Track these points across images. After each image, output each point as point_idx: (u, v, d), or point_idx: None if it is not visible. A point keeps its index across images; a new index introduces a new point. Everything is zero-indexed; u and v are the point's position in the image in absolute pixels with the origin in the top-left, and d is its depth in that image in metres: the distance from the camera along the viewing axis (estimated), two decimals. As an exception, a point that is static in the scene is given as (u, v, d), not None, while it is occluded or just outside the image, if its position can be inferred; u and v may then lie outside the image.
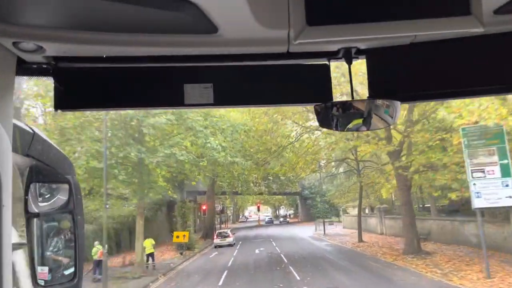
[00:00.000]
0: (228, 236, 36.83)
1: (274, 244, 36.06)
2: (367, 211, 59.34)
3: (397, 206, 38.77)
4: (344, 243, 33.79)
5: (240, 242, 40.58)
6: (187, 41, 1.47)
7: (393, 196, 44.94)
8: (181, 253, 30.49)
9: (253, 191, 53.08)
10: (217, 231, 39.11)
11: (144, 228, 24.61)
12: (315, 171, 35.74)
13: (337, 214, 79.60)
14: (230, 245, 36.44)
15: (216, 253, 32.71)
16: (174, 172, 28.21)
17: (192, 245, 33.54)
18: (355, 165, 34.28)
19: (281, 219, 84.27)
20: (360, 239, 32.05)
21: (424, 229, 27.99)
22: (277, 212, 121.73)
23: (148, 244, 25.02)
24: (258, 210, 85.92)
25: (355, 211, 63.87)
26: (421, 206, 42.03)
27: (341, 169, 46.81)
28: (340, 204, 67.27)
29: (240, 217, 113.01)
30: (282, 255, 27.15)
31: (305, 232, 52.03)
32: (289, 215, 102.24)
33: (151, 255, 24.94)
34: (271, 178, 46.21)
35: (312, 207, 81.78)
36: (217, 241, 36.94)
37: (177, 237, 30.08)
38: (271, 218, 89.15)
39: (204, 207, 45.43)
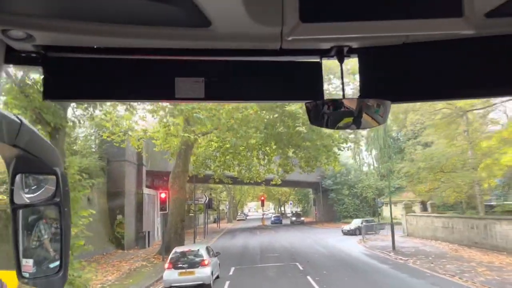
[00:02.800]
0: (199, 263, 12.81)
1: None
2: (414, 208, 35.38)
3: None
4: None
5: (233, 271, 16.91)
6: (179, 34, 1.46)
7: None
8: None
9: (258, 174, 29.04)
10: (173, 251, 14.86)
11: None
12: None
13: (373, 213, 55.84)
14: (202, 285, 12.47)
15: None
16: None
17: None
18: None
19: (293, 219, 60.73)
20: None
21: None
22: (282, 209, 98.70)
23: None
24: (262, 205, 62.33)
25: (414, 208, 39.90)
26: None
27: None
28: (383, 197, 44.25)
29: (239, 214, 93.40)
30: None
31: (345, 241, 31.02)
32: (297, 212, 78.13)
33: None
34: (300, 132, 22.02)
35: (336, 202, 57.06)
36: (170, 276, 13.29)
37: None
38: (279, 217, 65.50)
39: (163, 196, 21.55)
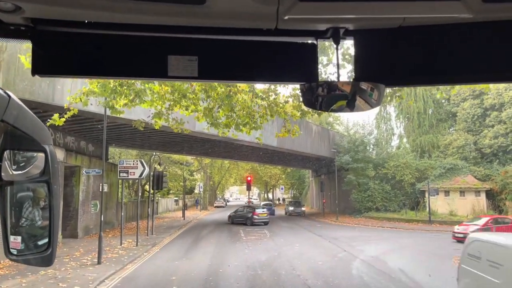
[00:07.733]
0: None
1: None
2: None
3: None
4: None
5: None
6: (173, 11, 1.49)
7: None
8: None
9: (251, 118, 6.90)
10: None
11: None
12: None
13: (413, 205, 36.42)
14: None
15: None
16: None
17: None
18: None
19: (291, 209, 44.30)
20: None
21: None
22: (271, 196, 79.60)
23: None
24: (248, 188, 44.64)
25: None
26: None
27: None
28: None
29: (218, 199, 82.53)
30: None
31: None
32: (284, 200, 59.11)
33: None
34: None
35: (356, 187, 37.04)
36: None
37: None
38: (270, 205, 46.97)
39: None
